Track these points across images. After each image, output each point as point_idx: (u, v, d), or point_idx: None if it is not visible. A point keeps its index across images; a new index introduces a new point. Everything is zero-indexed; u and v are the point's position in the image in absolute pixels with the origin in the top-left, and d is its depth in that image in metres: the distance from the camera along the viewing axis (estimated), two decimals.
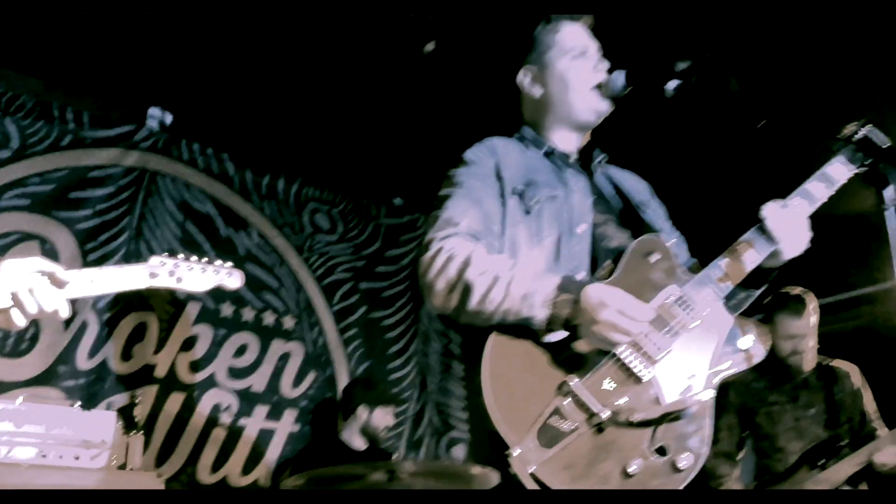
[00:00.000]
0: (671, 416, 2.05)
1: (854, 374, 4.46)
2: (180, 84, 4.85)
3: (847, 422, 4.31)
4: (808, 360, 4.37)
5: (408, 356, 6.04)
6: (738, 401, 4.49)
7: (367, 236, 6.05)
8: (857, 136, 2.21)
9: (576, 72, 2.50)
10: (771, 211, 2.22)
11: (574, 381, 2.01)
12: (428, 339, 6.24)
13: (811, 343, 4.36)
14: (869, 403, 4.38)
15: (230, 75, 4.75)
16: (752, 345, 2.17)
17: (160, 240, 4.94)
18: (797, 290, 4.40)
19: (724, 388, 4.44)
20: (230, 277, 2.99)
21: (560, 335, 2.06)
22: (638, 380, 2.06)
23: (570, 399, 2.00)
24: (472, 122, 4.20)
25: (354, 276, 5.89)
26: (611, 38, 2.54)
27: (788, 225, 2.21)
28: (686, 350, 2.12)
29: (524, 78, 2.60)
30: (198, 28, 4.31)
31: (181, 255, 2.80)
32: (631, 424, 2.01)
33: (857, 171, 2.27)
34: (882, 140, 2.17)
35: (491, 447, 1.99)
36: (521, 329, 2.06)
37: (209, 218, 5.23)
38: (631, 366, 2.06)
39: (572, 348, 2.06)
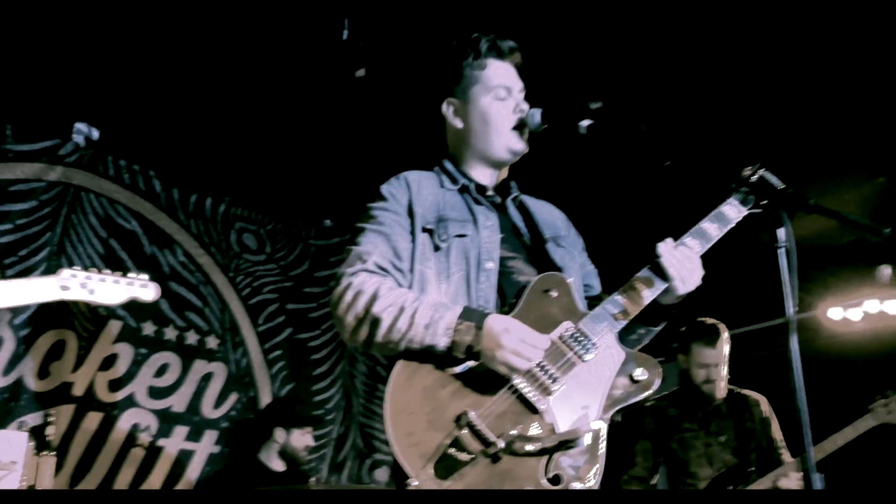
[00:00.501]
0: (565, 446, 2.12)
1: (763, 403, 4.62)
2: (108, 99, 4.80)
3: (755, 449, 4.46)
4: (720, 387, 4.51)
5: (333, 378, 6.04)
6: (654, 427, 4.61)
7: (296, 257, 6.06)
8: (753, 179, 2.34)
9: (496, 110, 2.56)
10: (665, 249, 2.32)
11: (472, 413, 2.09)
12: (354, 361, 6.25)
13: (723, 371, 4.50)
14: (776, 431, 4.55)
15: (159, 92, 4.72)
16: (645, 377, 2.25)
17: (82, 256, 4.87)
18: (711, 321, 4.55)
19: (641, 415, 4.61)
20: (144, 289, 3.01)
21: (464, 367, 2.14)
22: (534, 410, 2.14)
23: (467, 430, 2.08)
24: (403, 146, 4.29)
25: (281, 297, 5.89)
26: (529, 76, 2.62)
27: (681, 263, 2.31)
28: (581, 382, 2.21)
29: (447, 109, 2.66)
30: (127, 43, 4.30)
31: (94, 268, 2.79)
32: (527, 454, 2.09)
33: (748, 211, 2.39)
34: (776, 182, 2.29)
35: (396, 477, 2.09)
36: (425, 354, 2.15)
37: (134, 235, 5.18)
38: (528, 396, 2.13)
39: (472, 380, 2.15)
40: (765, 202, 2.28)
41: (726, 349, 4.51)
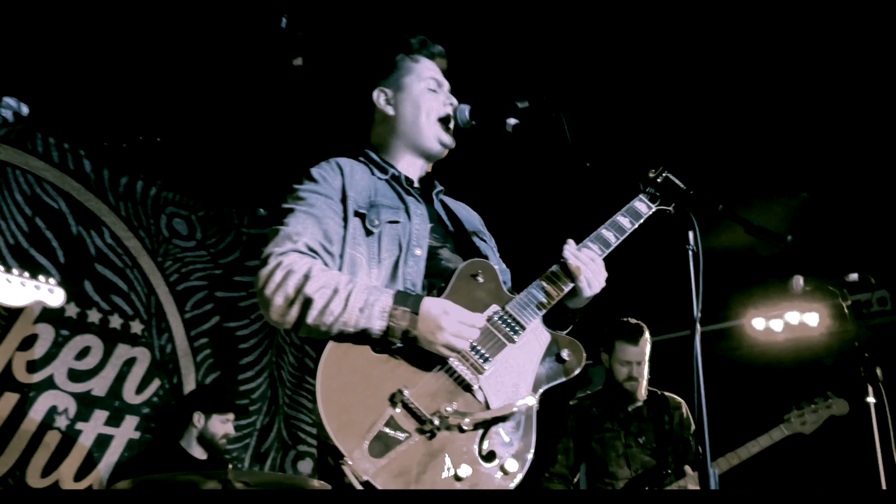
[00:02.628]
0: (498, 421, 2.18)
1: (684, 405, 4.72)
2: (39, 75, 4.71)
3: (673, 451, 4.55)
4: (642, 386, 4.60)
5: (259, 368, 6.00)
6: (576, 426, 4.68)
7: (227, 245, 6.00)
8: (658, 180, 2.45)
9: (428, 100, 2.62)
10: (570, 252, 2.40)
11: (406, 391, 2.10)
12: (282, 351, 6.22)
13: (645, 371, 4.59)
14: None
15: (93, 70, 4.65)
16: (571, 358, 2.34)
17: (6, 233, 4.77)
18: (634, 321, 4.64)
19: (564, 413, 4.68)
20: (51, 294, 2.99)
21: (398, 345, 2.16)
22: (468, 387, 2.18)
23: (401, 408, 2.09)
24: (338, 136, 4.30)
25: (210, 285, 5.83)
26: (459, 74, 2.67)
27: (587, 266, 2.39)
28: (510, 362, 2.27)
29: (378, 97, 2.68)
30: (60, 20, 4.22)
31: (1, 267, 2.76)
32: (461, 430, 2.12)
33: (657, 208, 2.53)
34: (679, 184, 2.38)
35: (328, 457, 2.04)
36: (358, 337, 2.14)
37: (61, 215, 5.08)
38: (462, 373, 2.18)
39: (405, 359, 2.16)
40: (671, 201, 2.38)
41: (647, 348, 4.61)
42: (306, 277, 2.16)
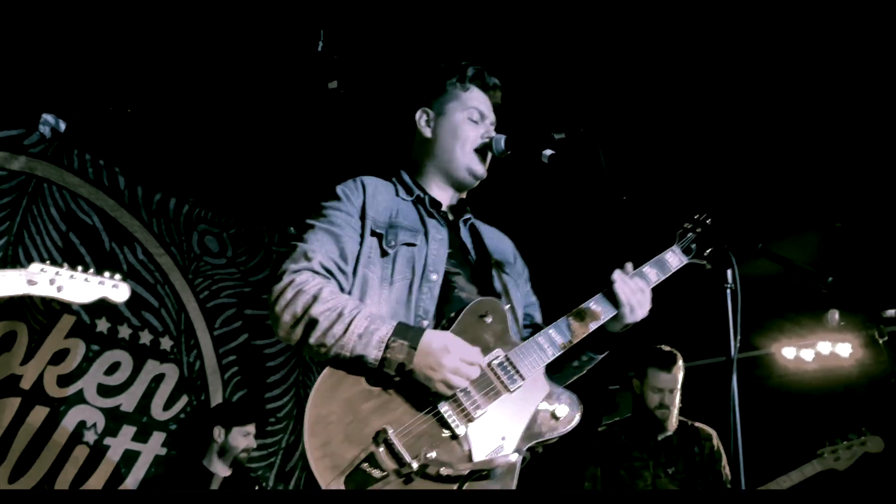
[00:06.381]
0: (478, 475, 2.11)
1: (715, 437, 4.64)
2: (77, 92, 4.76)
3: (702, 483, 4.47)
4: (673, 415, 4.53)
5: (286, 386, 6.01)
6: (604, 453, 4.61)
7: (257, 263, 6.02)
8: (697, 230, 2.43)
9: (466, 129, 2.61)
10: (619, 276, 2.37)
11: (391, 430, 2.07)
12: (309, 370, 6.22)
13: (676, 399, 4.52)
14: (725, 466, 4.57)
15: (130, 88, 4.69)
16: (565, 414, 2.26)
17: (40, 248, 4.80)
18: (667, 348, 4.58)
19: (593, 440, 4.62)
20: (116, 290, 2.91)
21: (395, 378, 2.13)
22: (453, 435, 2.13)
23: (384, 447, 2.06)
24: (371, 157, 4.31)
25: (239, 302, 5.85)
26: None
27: (633, 293, 2.35)
28: (503, 412, 2.21)
29: (420, 117, 2.70)
30: (100, 38, 4.27)
31: (65, 265, 2.72)
32: (439, 478, 2.07)
33: (689, 261, 2.51)
34: (718, 236, 2.37)
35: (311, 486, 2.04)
36: (355, 365, 2.14)
37: (95, 230, 5.11)
38: (449, 420, 2.13)
39: (395, 398, 2.14)
40: (707, 254, 2.36)
41: (680, 377, 4.54)
42: (315, 298, 2.19)
